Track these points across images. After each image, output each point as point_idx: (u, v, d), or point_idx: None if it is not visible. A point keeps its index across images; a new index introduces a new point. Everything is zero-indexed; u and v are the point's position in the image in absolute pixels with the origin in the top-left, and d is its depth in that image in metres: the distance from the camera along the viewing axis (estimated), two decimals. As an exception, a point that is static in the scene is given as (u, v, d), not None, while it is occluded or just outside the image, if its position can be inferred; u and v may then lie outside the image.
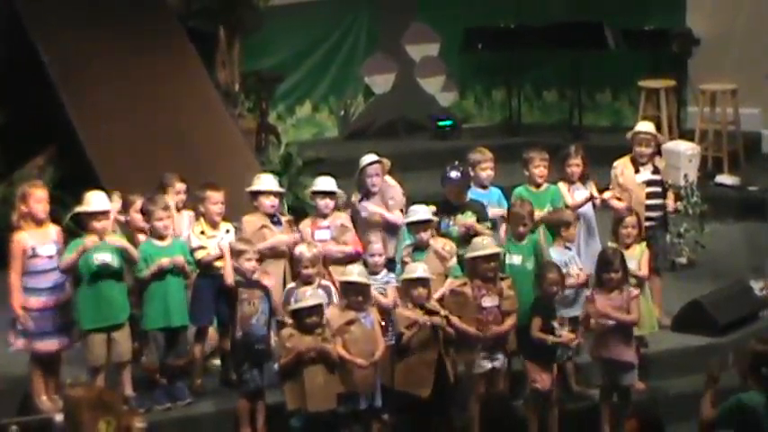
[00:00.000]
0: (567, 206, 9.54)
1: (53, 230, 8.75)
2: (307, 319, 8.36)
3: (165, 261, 8.69)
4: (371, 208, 9.56)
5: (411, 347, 8.53)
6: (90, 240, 8.55)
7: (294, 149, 12.41)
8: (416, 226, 9.03)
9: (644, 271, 9.21)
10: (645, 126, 10.15)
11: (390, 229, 9.47)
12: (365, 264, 8.77)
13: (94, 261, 8.62)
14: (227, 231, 9.11)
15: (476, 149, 9.91)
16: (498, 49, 14.47)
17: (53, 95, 11.06)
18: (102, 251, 8.64)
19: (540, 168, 9.68)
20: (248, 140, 12.07)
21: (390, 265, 9.11)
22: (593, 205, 9.82)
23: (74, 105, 11.00)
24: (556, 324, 8.60)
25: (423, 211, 9.06)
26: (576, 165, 9.75)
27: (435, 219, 9.13)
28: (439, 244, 9.04)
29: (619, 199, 9.75)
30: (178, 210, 9.22)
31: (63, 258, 8.60)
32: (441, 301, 8.71)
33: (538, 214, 9.34)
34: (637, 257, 9.20)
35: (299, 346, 8.29)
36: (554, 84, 15.05)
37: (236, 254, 8.72)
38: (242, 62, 12.95)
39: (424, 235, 9.01)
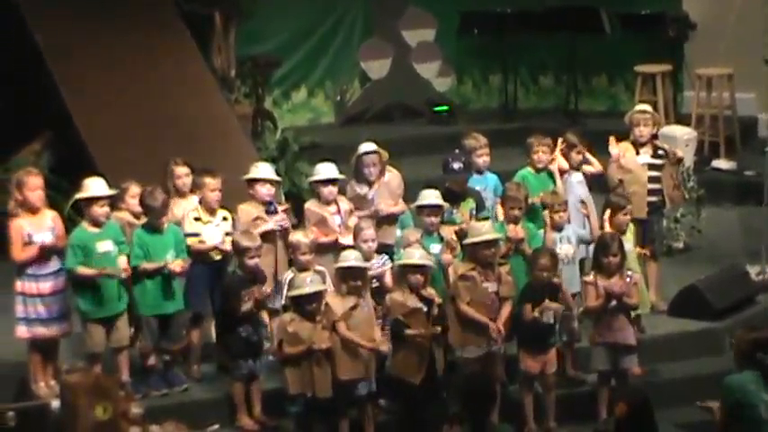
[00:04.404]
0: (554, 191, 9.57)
1: (49, 216, 8.74)
2: (307, 305, 8.37)
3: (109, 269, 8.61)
4: (383, 206, 9.47)
5: (408, 334, 8.53)
6: (111, 270, 8.55)
7: (290, 135, 12.39)
8: (426, 210, 9.02)
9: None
10: (643, 106, 10.25)
11: (392, 217, 9.46)
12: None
13: (98, 249, 8.61)
14: (224, 219, 9.12)
15: (470, 135, 9.90)
16: (494, 34, 14.44)
17: (49, 81, 11.03)
18: (104, 239, 8.65)
19: (538, 154, 9.69)
20: (244, 126, 12.04)
21: (387, 250, 9.11)
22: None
23: (69, 90, 10.97)
24: (536, 313, 8.60)
25: (434, 196, 9.06)
26: (577, 152, 9.75)
27: (446, 205, 9.14)
28: (447, 234, 9.04)
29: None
30: (182, 195, 9.20)
31: (75, 266, 8.56)
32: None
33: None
34: (630, 240, 9.29)
35: (302, 332, 8.30)
36: (550, 68, 15.02)
37: (239, 251, 8.69)
38: (238, 47, 12.92)
39: (434, 220, 9.00)
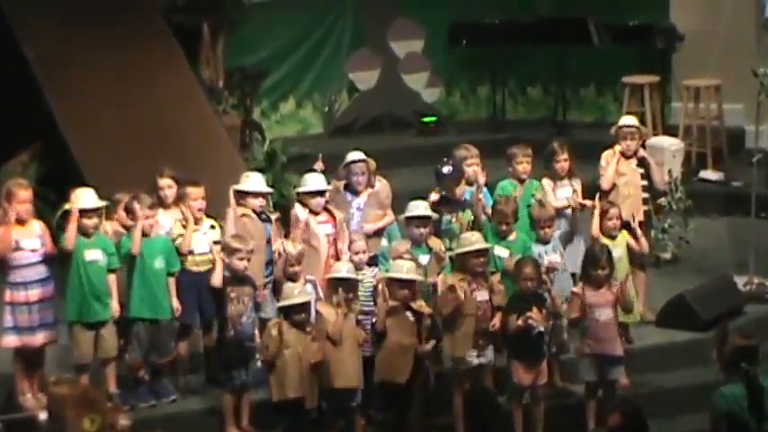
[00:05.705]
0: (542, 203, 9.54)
1: (37, 225, 8.76)
2: (295, 315, 8.37)
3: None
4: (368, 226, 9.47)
5: (389, 333, 8.53)
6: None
7: (278, 146, 12.39)
8: (414, 222, 9.01)
9: (644, 245, 9.43)
10: (629, 120, 10.28)
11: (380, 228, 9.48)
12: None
13: (85, 258, 8.63)
14: (212, 227, 9.11)
15: (461, 146, 9.91)
16: (483, 45, 14.48)
17: (37, 92, 11.02)
18: (93, 248, 8.66)
19: (522, 164, 9.70)
20: (232, 137, 12.04)
21: (374, 261, 9.12)
22: (582, 207, 9.79)
23: (58, 102, 10.97)
24: (520, 322, 8.60)
25: (422, 207, 9.06)
26: (563, 160, 9.77)
27: (435, 216, 9.13)
28: (436, 245, 9.04)
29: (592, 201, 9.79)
30: (166, 207, 9.18)
31: (63, 243, 8.60)
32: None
33: None
34: (622, 244, 9.32)
35: (287, 337, 8.32)
36: (539, 79, 15.06)
37: (229, 252, 8.69)
38: (226, 58, 12.92)
39: (423, 231, 9.00)
